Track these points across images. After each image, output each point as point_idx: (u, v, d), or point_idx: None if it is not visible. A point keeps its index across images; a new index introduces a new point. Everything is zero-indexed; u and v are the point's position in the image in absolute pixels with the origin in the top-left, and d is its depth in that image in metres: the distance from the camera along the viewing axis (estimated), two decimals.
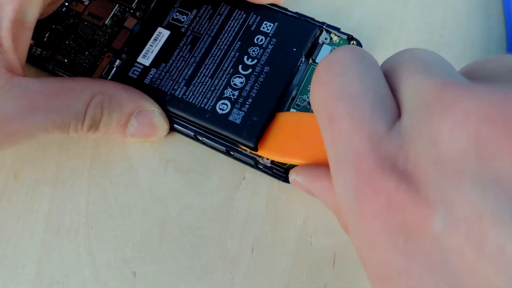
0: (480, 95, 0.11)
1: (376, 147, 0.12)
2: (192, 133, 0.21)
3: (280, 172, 0.20)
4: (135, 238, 0.20)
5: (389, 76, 0.14)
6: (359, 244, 0.13)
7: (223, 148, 0.20)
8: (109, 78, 0.22)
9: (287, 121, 0.20)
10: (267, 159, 0.20)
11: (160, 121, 0.20)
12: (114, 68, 0.22)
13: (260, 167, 0.20)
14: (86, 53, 0.22)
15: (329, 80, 0.14)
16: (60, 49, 0.23)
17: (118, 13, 0.23)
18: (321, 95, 0.14)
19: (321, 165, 0.18)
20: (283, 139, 0.19)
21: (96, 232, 0.20)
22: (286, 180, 0.20)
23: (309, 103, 0.21)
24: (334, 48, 0.22)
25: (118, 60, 0.22)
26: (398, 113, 0.13)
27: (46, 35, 0.23)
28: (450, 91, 0.11)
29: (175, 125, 0.21)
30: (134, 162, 0.21)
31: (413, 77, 0.13)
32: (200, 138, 0.21)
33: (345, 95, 0.13)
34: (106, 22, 0.23)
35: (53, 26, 0.23)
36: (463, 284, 0.10)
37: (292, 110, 0.21)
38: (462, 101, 0.11)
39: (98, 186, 0.21)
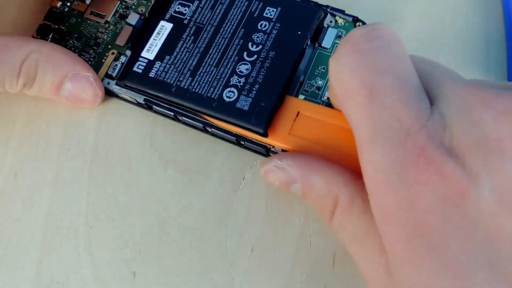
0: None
1: (424, 124, 0.13)
2: (201, 125, 0.21)
3: None
4: (135, 238, 0.20)
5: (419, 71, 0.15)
6: (391, 210, 0.14)
7: (233, 138, 0.20)
8: (114, 74, 0.22)
9: (299, 108, 0.19)
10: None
11: (93, 86, 0.21)
12: (119, 65, 0.22)
13: (271, 155, 0.20)
14: (91, 51, 0.22)
15: (371, 51, 0.14)
16: None
17: (120, 10, 0.23)
18: (359, 64, 0.14)
19: (307, 154, 0.18)
20: (295, 128, 0.19)
21: (96, 232, 0.20)
22: None
23: (317, 88, 0.21)
24: (340, 31, 0.22)
25: (122, 56, 0.22)
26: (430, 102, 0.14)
27: (50, 36, 0.23)
28: (488, 92, 0.13)
29: (182, 117, 0.21)
30: (134, 162, 0.21)
31: (449, 79, 0.15)
32: (210, 130, 0.21)
33: (391, 71, 0.14)
34: (108, 20, 0.23)
35: (57, 27, 0.23)
36: (491, 237, 0.12)
37: (300, 96, 0.21)
38: (502, 98, 0.13)
39: (98, 186, 0.21)
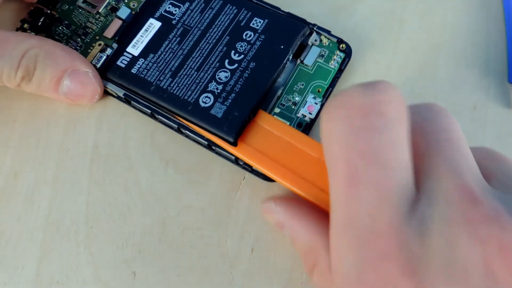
0: (504, 226, 0.12)
1: (395, 233, 0.12)
2: (175, 126, 0.21)
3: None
4: (135, 238, 0.20)
5: (418, 145, 0.14)
6: None
7: (205, 143, 0.20)
8: (98, 66, 0.22)
9: (272, 127, 0.19)
10: None
11: (92, 83, 0.21)
12: (104, 56, 0.22)
13: (240, 163, 0.20)
14: (78, 39, 0.23)
15: (365, 131, 0.13)
16: (53, 35, 0.23)
17: (113, 2, 0.23)
18: (349, 142, 0.13)
19: (305, 204, 0.17)
20: (263, 146, 0.19)
21: (96, 232, 0.20)
22: (265, 178, 0.20)
23: (294, 103, 0.21)
24: (324, 50, 0.22)
25: (108, 49, 0.22)
26: (415, 193, 0.13)
27: (41, 20, 0.23)
28: (478, 211, 0.12)
29: (159, 116, 0.21)
30: (134, 162, 0.21)
31: (446, 175, 0.13)
32: (183, 131, 0.21)
33: (381, 162, 0.13)
34: (100, 11, 0.23)
35: (49, 12, 0.23)
36: None
37: (276, 109, 0.21)
38: (486, 225, 0.12)
39: (98, 186, 0.21)
